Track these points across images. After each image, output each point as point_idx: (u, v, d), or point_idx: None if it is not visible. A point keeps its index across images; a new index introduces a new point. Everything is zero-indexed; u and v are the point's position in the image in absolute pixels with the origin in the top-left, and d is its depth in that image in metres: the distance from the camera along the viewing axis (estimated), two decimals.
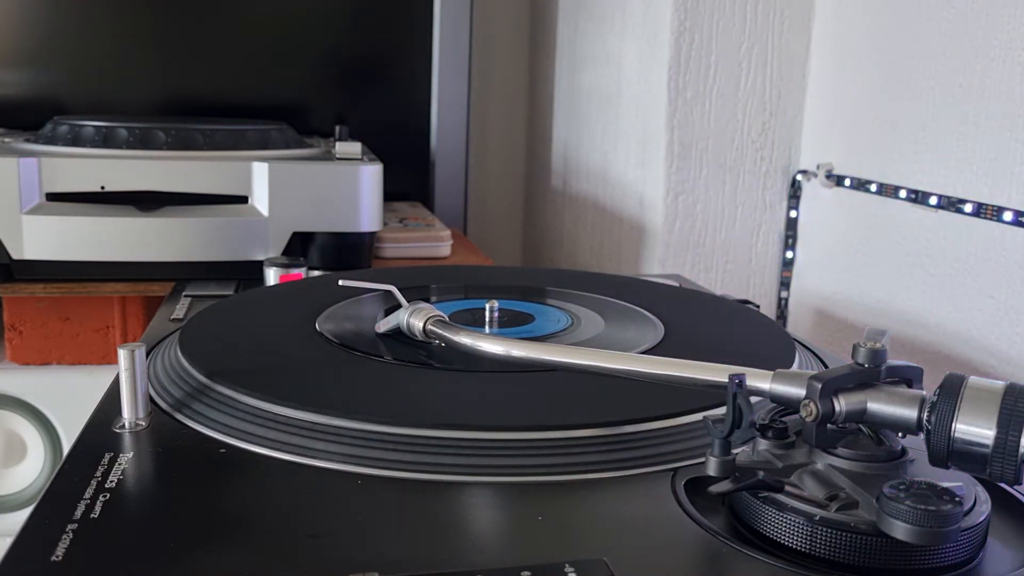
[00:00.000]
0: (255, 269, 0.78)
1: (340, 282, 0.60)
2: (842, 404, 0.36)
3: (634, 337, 0.58)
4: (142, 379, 0.44)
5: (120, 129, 0.85)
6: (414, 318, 0.53)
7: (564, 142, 1.27)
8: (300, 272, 0.73)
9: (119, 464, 0.39)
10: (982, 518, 0.34)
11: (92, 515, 0.35)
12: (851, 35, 0.91)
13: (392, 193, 1.03)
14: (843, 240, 0.93)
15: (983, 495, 0.36)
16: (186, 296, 0.72)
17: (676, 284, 0.76)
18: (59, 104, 1.13)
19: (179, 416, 0.45)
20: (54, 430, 0.82)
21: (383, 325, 0.56)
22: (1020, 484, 0.33)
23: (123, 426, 0.43)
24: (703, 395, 0.44)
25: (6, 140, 0.91)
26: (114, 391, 0.47)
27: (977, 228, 0.75)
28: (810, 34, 0.96)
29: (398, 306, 0.56)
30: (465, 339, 0.49)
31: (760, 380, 0.38)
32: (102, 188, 0.80)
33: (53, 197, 0.79)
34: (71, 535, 0.33)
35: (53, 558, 0.32)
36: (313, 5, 1.21)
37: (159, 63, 1.16)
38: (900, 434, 0.37)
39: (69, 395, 0.82)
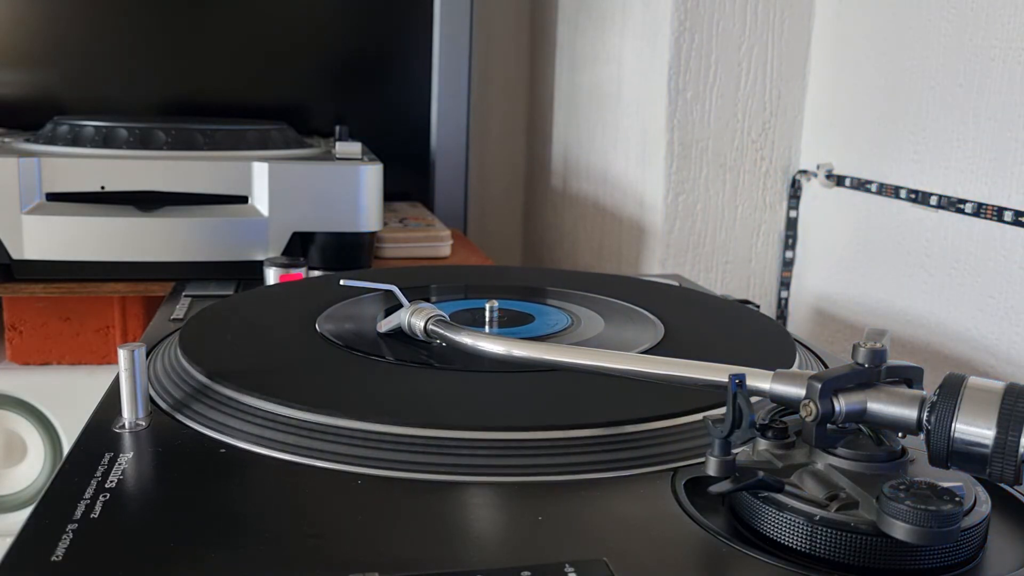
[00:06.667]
0: (255, 269, 0.78)
1: (341, 282, 0.60)
2: (842, 404, 0.36)
3: (634, 337, 0.58)
4: (142, 379, 0.44)
5: (120, 129, 0.85)
6: (415, 318, 0.53)
7: (564, 142, 1.27)
8: (300, 272, 0.73)
9: (119, 464, 0.39)
10: (982, 518, 0.34)
11: (92, 515, 0.35)
12: (851, 35, 0.91)
13: (392, 193, 1.03)
14: (843, 240, 0.93)
15: (983, 495, 0.36)
16: (186, 296, 0.72)
17: (676, 284, 0.76)
18: (59, 104, 1.13)
19: (179, 416, 0.45)
20: (54, 430, 0.82)
21: (384, 325, 0.56)
22: (1020, 484, 0.33)
23: (123, 426, 0.43)
24: (703, 395, 0.44)
25: (6, 140, 0.91)
26: (114, 391, 0.47)
27: (977, 228, 0.75)
28: (810, 34, 0.96)
29: (399, 306, 0.56)
30: (466, 339, 0.49)
31: (760, 380, 0.38)
32: (102, 188, 0.80)
33: (53, 197, 0.79)
34: (71, 535, 0.33)
35: (53, 558, 0.32)
36: (313, 5, 1.21)
37: (159, 63, 1.16)
38: (900, 434, 0.37)
39: (69, 395, 0.82)
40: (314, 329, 0.56)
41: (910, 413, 0.35)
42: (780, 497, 0.35)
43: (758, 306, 0.70)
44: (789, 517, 0.34)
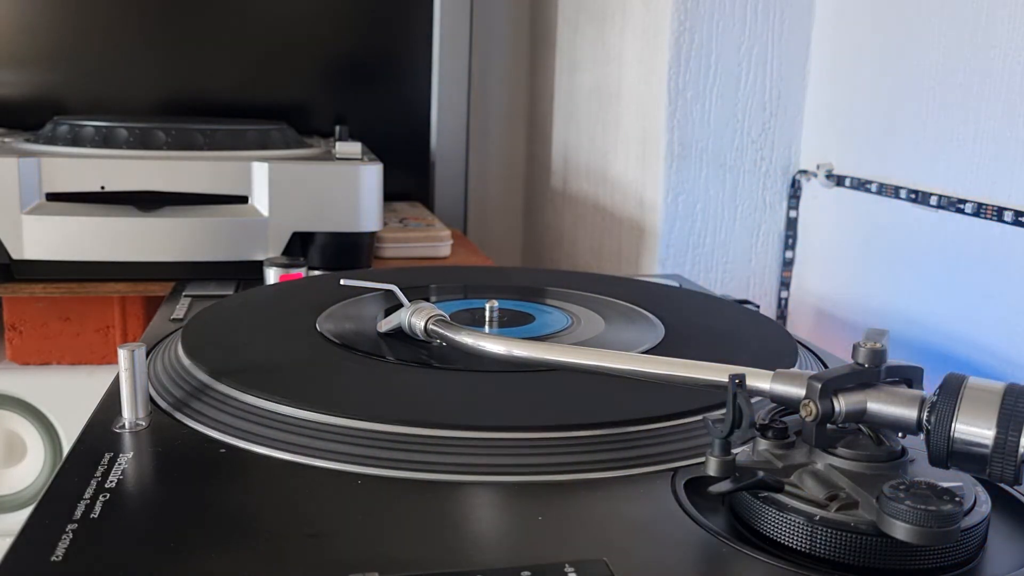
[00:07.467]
0: (255, 269, 0.78)
1: (342, 282, 0.60)
2: (842, 404, 0.36)
3: (634, 337, 0.58)
4: (142, 379, 0.44)
5: (120, 129, 0.85)
6: (415, 317, 0.53)
7: (564, 142, 1.27)
8: (300, 272, 0.73)
9: (119, 464, 0.39)
10: (982, 518, 0.34)
11: (92, 515, 0.35)
12: (851, 35, 0.91)
13: (392, 193, 1.03)
14: (843, 240, 0.93)
15: (983, 495, 0.36)
16: (186, 296, 0.72)
17: (676, 284, 0.76)
18: (59, 104, 1.13)
19: (179, 416, 0.45)
20: (54, 430, 0.82)
21: (384, 324, 0.56)
22: (1020, 484, 0.33)
23: (123, 426, 0.43)
24: (703, 395, 0.44)
25: (6, 140, 0.91)
26: (114, 391, 0.47)
27: (977, 228, 0.75)
28: (810, 34, 0.96)
29: (399, 306, 0.56)
30: (467, 339, 0.49)
31: (760, 380, 0.38)
32: (102, 188, 0.80)
33: (53, 197, 0.79)
34: (71, 535, 0.33)
35: (53, 558, 0.32)
36: (313, 5, 1.21)
37: (159, 63, 1.16)
38: (900, 434, 0.37)
39: (69, 395, 0.82)
40: (314, 329, 0.56)
41: (910, 413, 0.35)
42: (780, 497, 0.35)
43: (758, 306, 0.70)
44: (789, 517, 0.34)
